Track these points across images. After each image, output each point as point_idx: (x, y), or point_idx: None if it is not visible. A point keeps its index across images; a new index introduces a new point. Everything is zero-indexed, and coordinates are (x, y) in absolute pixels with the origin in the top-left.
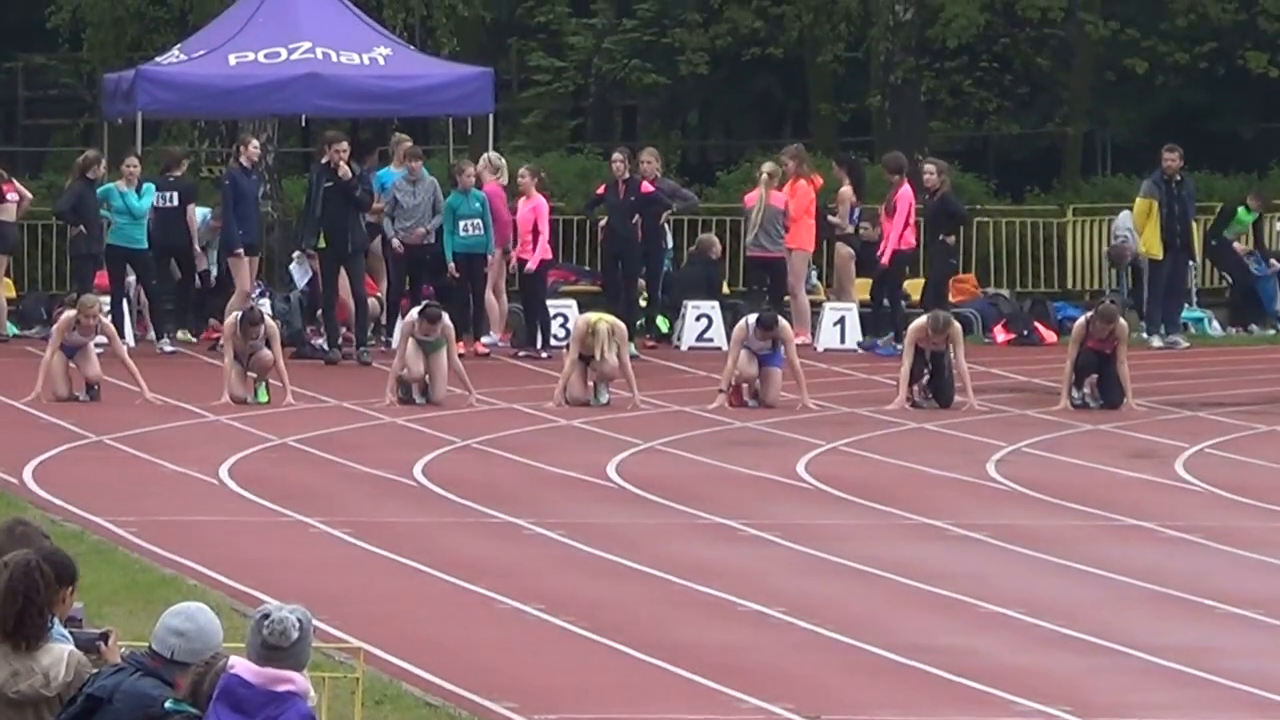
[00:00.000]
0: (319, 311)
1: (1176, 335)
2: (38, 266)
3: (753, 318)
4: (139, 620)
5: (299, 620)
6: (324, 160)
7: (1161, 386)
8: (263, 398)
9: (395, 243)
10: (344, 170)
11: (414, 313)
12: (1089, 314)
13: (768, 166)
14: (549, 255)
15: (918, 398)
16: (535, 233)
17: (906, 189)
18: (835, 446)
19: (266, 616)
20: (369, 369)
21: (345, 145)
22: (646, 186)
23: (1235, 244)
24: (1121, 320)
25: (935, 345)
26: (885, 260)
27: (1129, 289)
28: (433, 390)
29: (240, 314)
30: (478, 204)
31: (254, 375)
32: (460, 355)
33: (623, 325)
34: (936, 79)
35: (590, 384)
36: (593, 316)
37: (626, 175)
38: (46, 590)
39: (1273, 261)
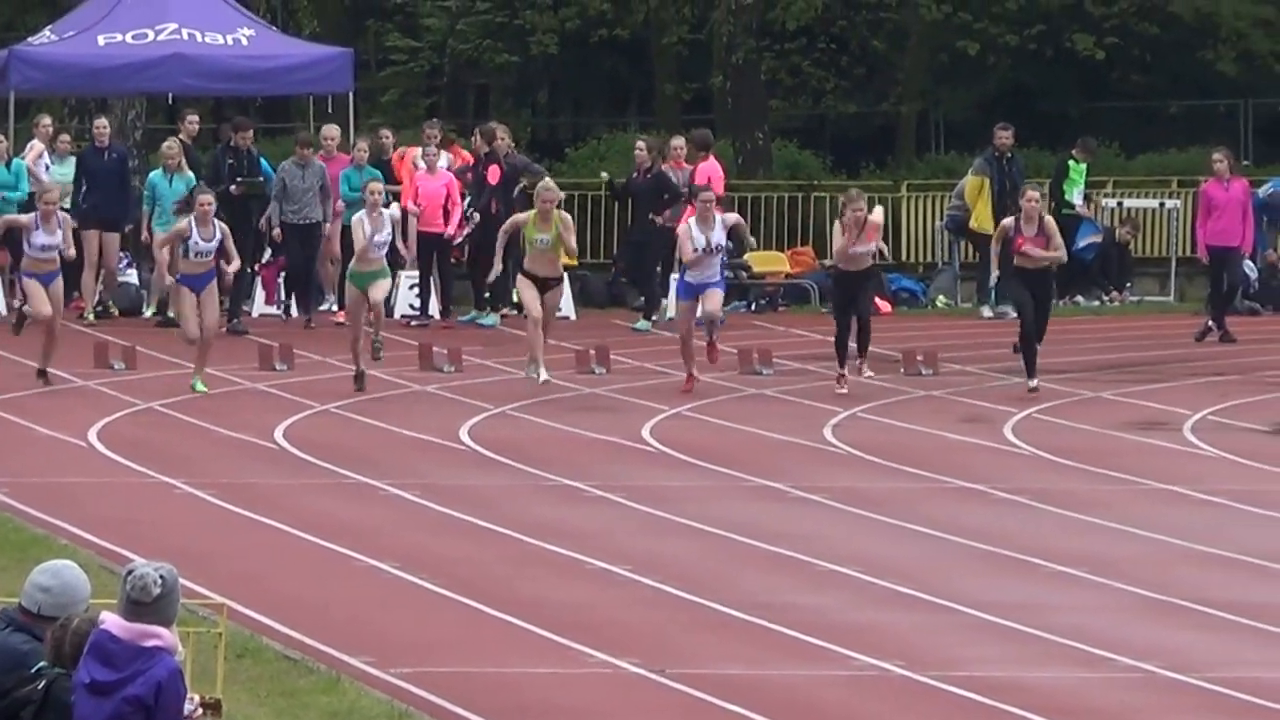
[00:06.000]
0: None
1: (1006, 306)
2: None
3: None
4: (10, 577)
5: (161, 577)
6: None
7: (991, 355)
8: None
9: (275, 230)
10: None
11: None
12: (1015, 215)
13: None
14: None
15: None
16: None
17: (705, 166)
18: (679, 412)
19: (131, 573)
20: (238, 338)
21: (250, 133)
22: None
23: (1079, 205)
24: (1048, 216)
25: None
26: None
27: (961, 261)
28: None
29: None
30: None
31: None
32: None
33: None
34: (776, 59)
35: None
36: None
37: (486, 150)
38: None
39: (1121, 231)
